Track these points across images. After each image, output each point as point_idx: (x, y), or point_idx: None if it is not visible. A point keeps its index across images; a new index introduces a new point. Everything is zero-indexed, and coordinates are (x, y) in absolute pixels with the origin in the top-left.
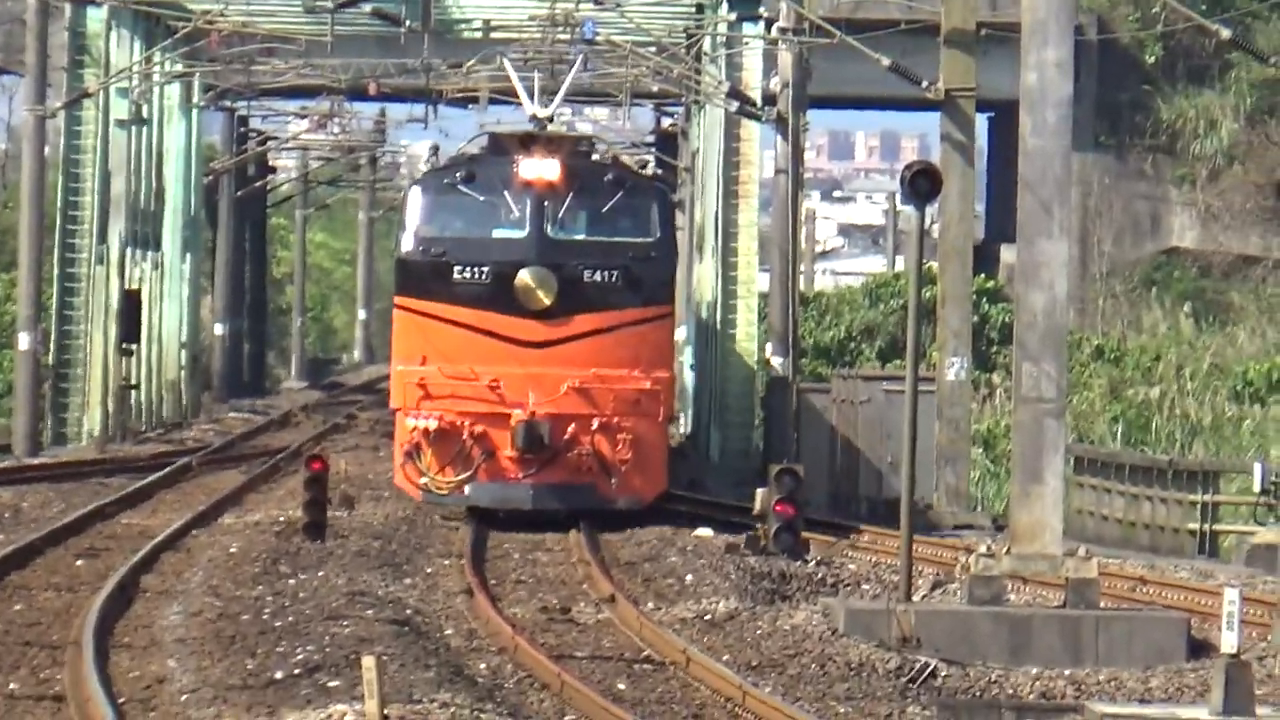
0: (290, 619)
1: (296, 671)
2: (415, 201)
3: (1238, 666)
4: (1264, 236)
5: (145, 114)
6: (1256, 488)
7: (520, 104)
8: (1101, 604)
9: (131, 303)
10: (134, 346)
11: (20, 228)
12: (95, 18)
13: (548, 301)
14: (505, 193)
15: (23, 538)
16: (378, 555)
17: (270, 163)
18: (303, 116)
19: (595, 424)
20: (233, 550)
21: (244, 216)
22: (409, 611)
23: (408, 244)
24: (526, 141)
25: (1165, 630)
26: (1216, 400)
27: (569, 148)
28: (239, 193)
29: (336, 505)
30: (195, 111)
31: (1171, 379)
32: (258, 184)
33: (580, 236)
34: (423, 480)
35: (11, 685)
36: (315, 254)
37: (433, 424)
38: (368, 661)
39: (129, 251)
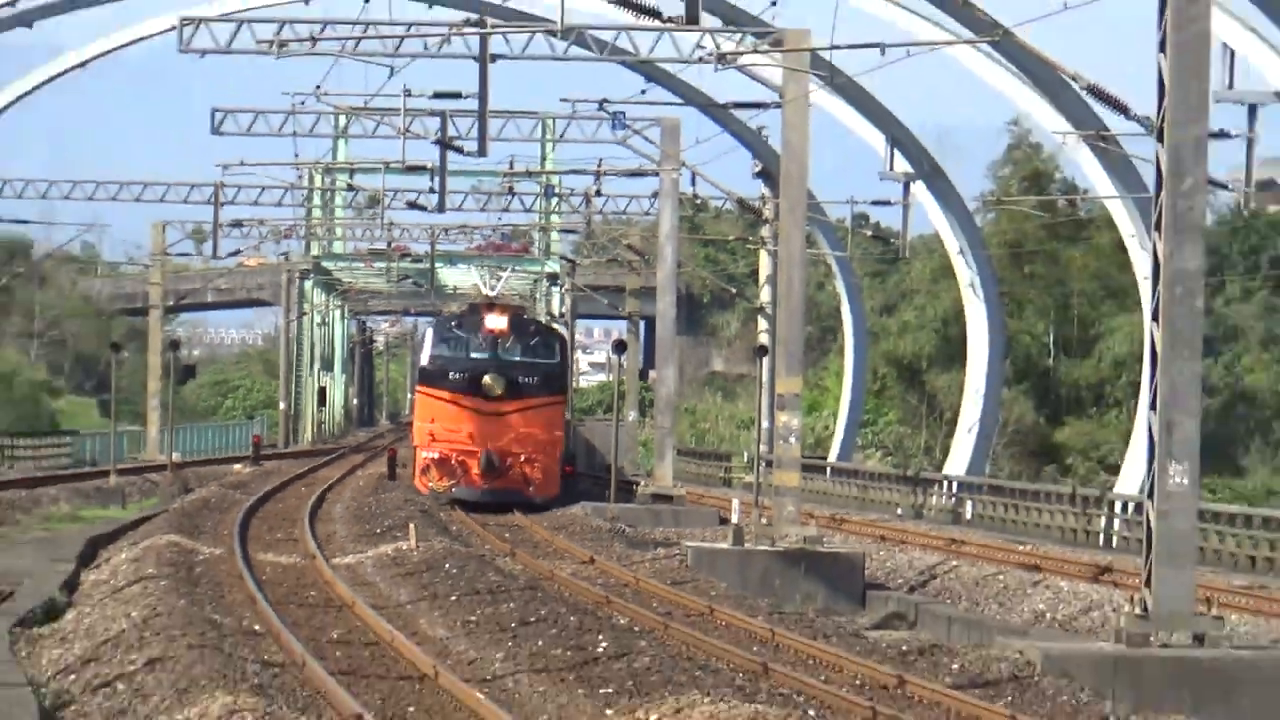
0: (381, 510)
1: (383, 529)
2: (430, 336)
3: None
4: None
5: (326, 320)
6: None
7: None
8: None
9: (321, 391)
10: (323, 408)
11: (280, 365)
12: (308, 284)
13: (499, 391)
14: (478, 333)
15: (278, 480)
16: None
17: (373, 337)
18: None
19: (523, 457)
20: (360, 483)
21: (363, 360)
22: (429, 511)
23: (425, 359)
24: (490, 307)
25: None
26: None
27: (512, 311)
28: (360, 350)
29: (400, 467)
30: (345, 319)
31: None
32: (367, 345)
33: (517, 358)
34: (430, 485)
35: (278, 534)
36: (393, 372)
37: (436, 455)
38: (411, 526)
39: (320, 373)
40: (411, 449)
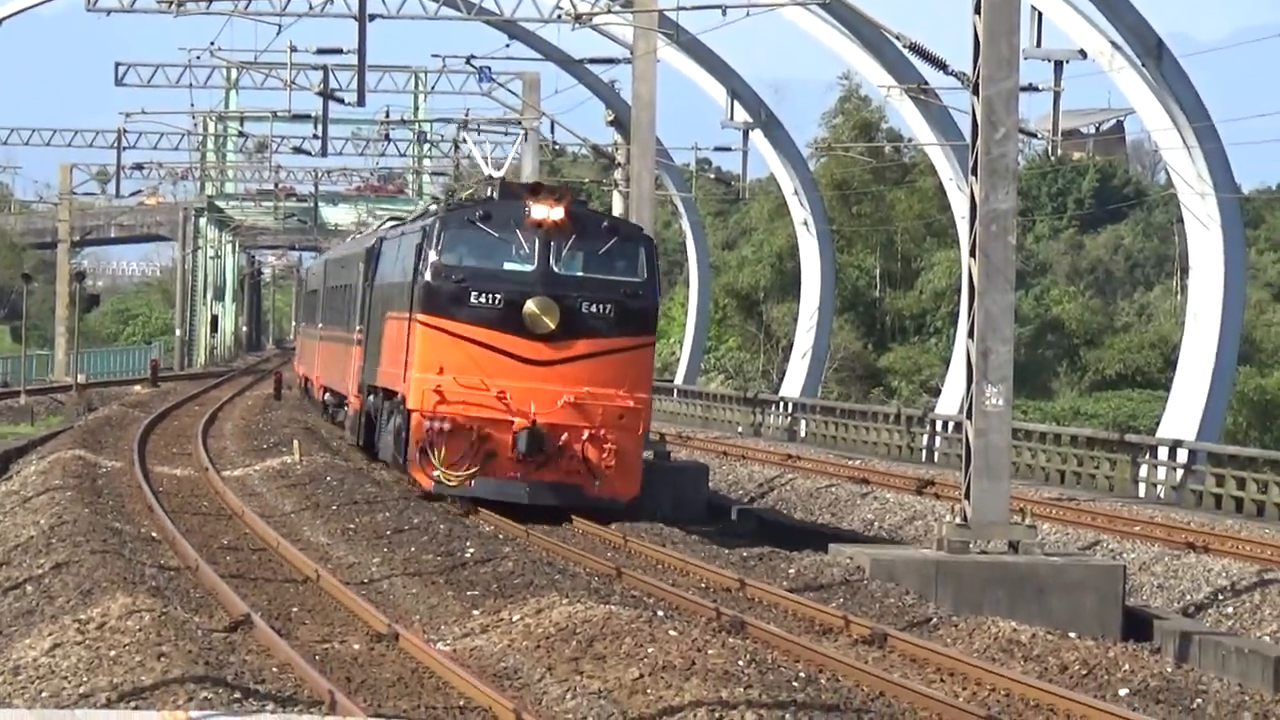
0: (268, 427)
1: (269, 444)
2: (435, 234)
3: None
4: None
5: (218, 254)
6: None
7: None
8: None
9: (214, 319)
10: (215, 334)
11: (176, 295)
12: (202, 221)
13: (553, 326)
14: (517, 230)
15: (174, 400)
16: (298, 405)
17: (261, 269)
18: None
19: (585, 434)
20: (249, 403)
21: (252, 291)
22: (311, 428)
23: (428, 270)
24: (535, 189)
25: None
26: None
27: (570, 197)
28: (249, 281)
29: (285, 388)
30: (235, 253)
31: None
32: (256, 277)
33: (580, 273)
34: (435, 473)
35: (174, 449)
36: (279, 302)
37: (447, 426)
38: (295, 442)
39: (213, 302)
40: (369, 402)
